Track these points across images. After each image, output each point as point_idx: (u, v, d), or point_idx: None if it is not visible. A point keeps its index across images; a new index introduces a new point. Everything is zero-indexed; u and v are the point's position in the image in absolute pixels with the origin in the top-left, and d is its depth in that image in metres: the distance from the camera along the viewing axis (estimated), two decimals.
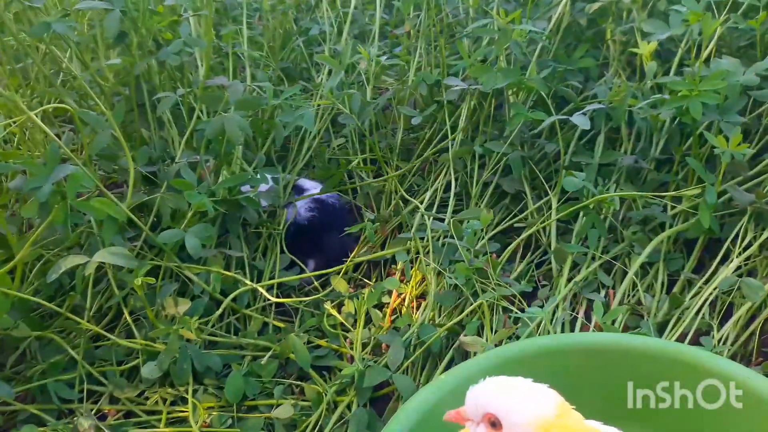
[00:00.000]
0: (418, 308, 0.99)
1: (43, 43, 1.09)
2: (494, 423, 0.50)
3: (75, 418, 0.84)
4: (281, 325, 1.00)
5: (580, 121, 0.96)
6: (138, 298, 0.93)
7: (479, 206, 1.06)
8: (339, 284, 1.06)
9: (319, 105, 1.24)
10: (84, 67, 1.11)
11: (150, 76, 1.14)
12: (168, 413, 0.86)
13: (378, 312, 0.96)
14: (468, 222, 0.92)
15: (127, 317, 0.90)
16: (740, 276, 0.86)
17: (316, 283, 1.07)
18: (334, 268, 1.09)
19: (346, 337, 0.99)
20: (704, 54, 0.94)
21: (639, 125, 1.04)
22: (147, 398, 0.88)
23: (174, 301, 0.89)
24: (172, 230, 0.93)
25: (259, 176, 1.08)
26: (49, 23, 0.98)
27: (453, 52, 1.34)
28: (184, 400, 0.88)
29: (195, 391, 0.87)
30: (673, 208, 0.96)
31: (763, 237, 0.89)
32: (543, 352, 0.65)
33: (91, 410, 0.85)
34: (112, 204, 0.89)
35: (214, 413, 0.86)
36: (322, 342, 0.97)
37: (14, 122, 0.90)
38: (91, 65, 1.08)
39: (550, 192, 1.04)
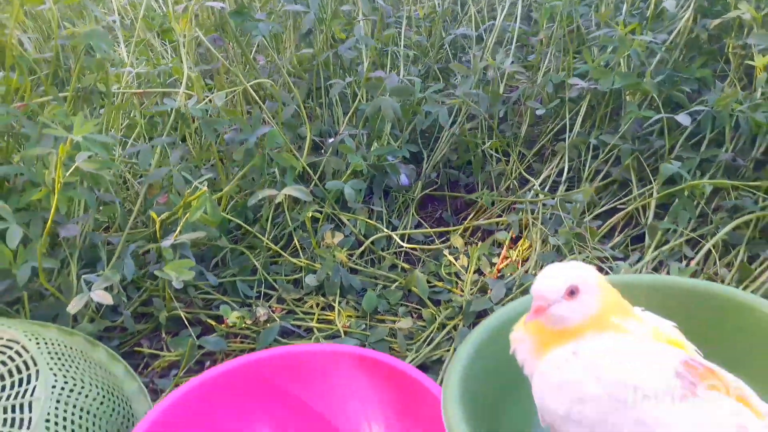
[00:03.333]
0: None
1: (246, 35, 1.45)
2: (573, 292, 0.57)
3: (253, 308, 1.14)
4: (407, 267, 1.24)
5: (683, 119, 1.10)
6: (303, 231, 1.23)
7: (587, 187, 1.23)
8: (456, 240, 1.28)
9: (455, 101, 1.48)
10: (278, 55, 1.44)
11: (326, 65, 1.45)
12: (318, 315, 1.13)
13: (488, 264, 1.17)
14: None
15: (297, 242, 1.20)
16: None
17: (435, 238, 1.31)
18: (455, 228, 1.32)
19: (457, 283, 1.21)
20: None
21: (743, 128, 1.15)
22: (305, 302, 1.17)
23: (332, 234, 1.17)
24: (335, 181, 1.22)
25: (401, 149, 1.34)
26: (257, 24, 1.31)
27: (581, 59, 1.50)
28: (331, 308, 1.15)
29: (340, 302, 1.14)
30: (765, 200, 1.06)
31: None
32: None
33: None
34: (294, 157, 1.20)
35: (352, 320, 1.12)
36: (439, 283, 1.20)
37: (233, 92, 1.24)
38: (287, 54, 1.40)
39: (653, 181, 1.18)
